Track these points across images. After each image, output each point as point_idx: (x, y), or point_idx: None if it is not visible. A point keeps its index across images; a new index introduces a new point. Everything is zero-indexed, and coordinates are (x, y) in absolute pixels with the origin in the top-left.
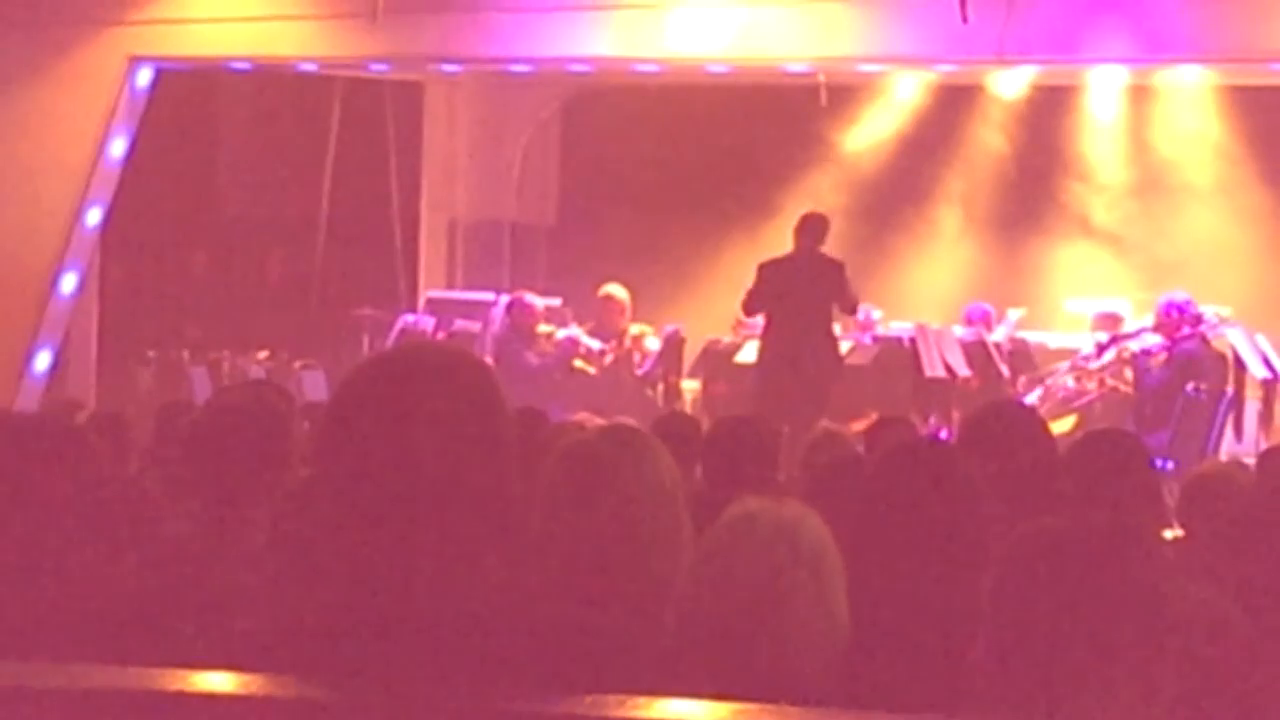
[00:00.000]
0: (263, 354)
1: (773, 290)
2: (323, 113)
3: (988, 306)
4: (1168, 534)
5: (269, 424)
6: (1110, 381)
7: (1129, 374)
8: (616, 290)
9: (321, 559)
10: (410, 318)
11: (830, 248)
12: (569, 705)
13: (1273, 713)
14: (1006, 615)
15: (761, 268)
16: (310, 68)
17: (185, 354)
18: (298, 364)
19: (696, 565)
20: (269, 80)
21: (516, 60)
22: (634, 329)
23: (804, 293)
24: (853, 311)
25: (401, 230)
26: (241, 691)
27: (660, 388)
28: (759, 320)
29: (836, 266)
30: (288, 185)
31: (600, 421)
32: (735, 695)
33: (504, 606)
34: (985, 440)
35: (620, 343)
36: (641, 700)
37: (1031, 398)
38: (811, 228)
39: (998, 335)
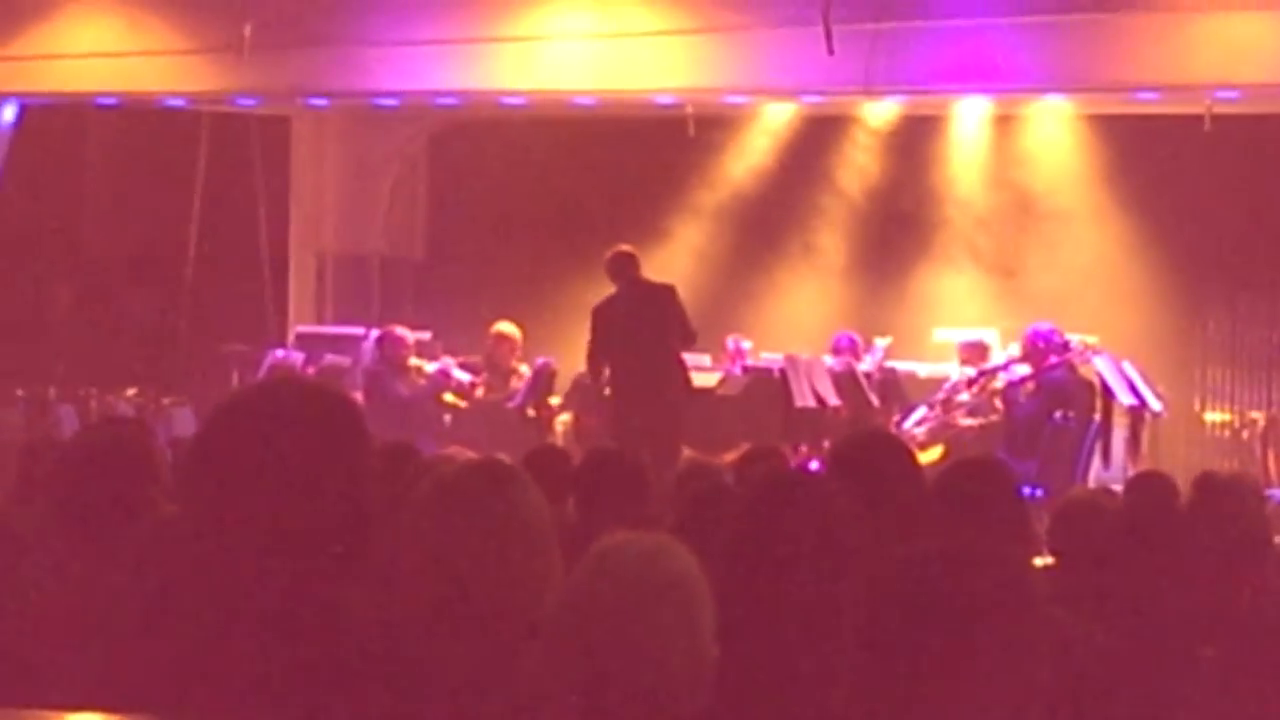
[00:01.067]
0: (131, 391)
1: (609, 334)
2: (189, 148)
3: (855, 336)
4: (1038, 561)
5: (133, 461)
6: (974, 419)
7: (998, 403)
8: (508, 328)
9: (187, 596)
10: (279, 353)
11: (700, 277)
12: None
13: None
14: (875, 644)
15: (594, 313)
16: (177, 103)
17: (52, 391)
18: (166, 400)
19: (562, 599)
20: (135, 115)
21: (383, 94)
22: (524, 367)
23: (639, 324)
24: (690, 343)
25: (270, 265)
26: None
27: (535, 421)
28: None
29: (667, 290)
30: (155, 220)
31: (471, 455)
32: None
33: (369, 641)
34: (854, 470)
35: (505, 378)
36: None
37: (907, 425)
38: (621, 264)
39: (866, 364)
